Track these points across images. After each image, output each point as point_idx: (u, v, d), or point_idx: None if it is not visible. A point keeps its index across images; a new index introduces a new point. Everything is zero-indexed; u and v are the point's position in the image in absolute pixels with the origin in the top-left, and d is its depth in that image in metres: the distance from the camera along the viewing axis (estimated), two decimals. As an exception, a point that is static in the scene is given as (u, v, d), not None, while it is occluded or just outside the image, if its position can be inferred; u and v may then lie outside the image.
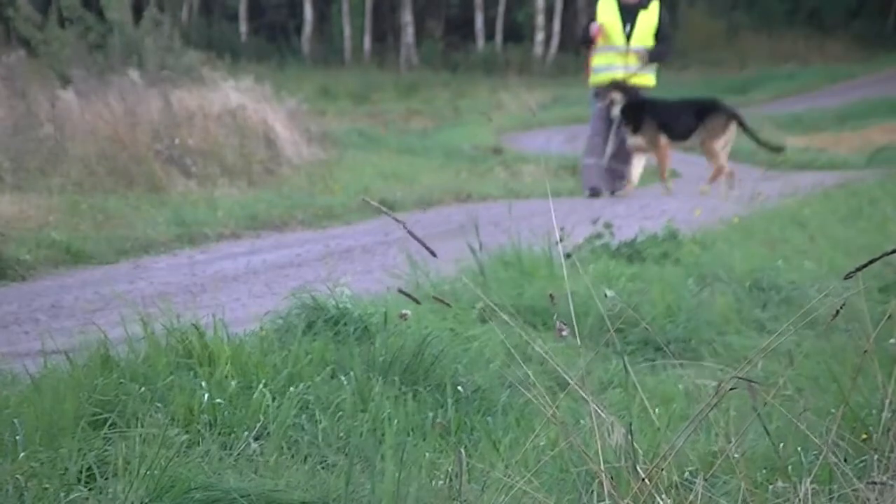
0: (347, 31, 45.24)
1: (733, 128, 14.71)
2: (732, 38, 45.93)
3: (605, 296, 6.83)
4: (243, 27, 45.40)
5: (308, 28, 45.26)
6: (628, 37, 14.31)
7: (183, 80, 16.57)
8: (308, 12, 45.27)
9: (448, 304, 4.35)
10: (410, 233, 3.94)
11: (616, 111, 14.34)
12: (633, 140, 14.47)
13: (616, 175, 14.51)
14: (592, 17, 14.68)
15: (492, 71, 42.61)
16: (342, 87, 37.51)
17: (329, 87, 37.04)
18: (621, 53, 14.33)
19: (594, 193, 14.27)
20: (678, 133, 14.56)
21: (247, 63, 31.56)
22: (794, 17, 45.93)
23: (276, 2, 47.09)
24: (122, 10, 18.78)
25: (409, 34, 44.98)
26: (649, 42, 14.33)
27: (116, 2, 18.74)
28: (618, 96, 14.29)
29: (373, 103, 35.62)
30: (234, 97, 16.71)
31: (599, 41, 14.30)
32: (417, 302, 4.52)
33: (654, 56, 14.38)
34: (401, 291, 4.42)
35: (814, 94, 36.26)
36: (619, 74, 14.32)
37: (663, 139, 14.51)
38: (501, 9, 45.92)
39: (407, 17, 45.00)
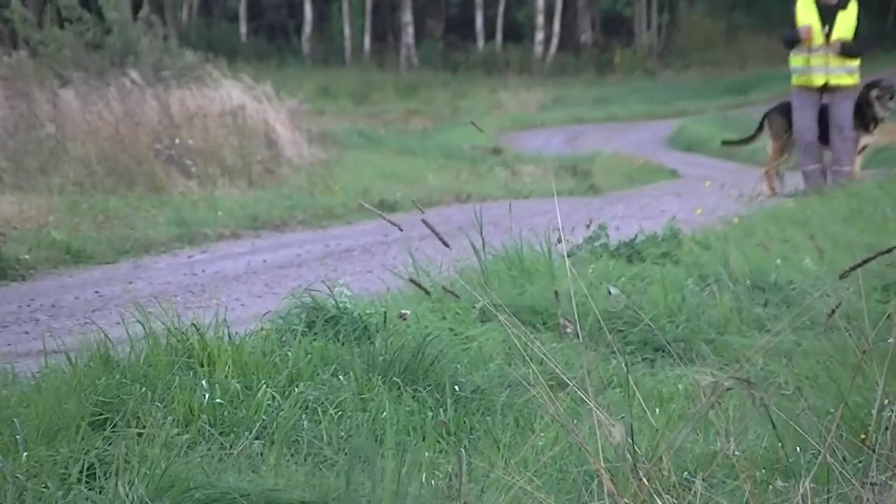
0: (347, 31, 45.25)
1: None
2: (732, 39, 45.96)
3: (609, 293, 6.84)
4: (243, 27, 45.42)
5: (308, 28, 45.27)
6: (827, 37, 14.19)
7: (183, 81, 16.57)
8: (308, 12, 45.28)
9: (456, 296, 4.37)
10: (426, 223, 3.97)
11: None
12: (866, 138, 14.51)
13: (840, 175, 14.38)
14: (792, 19, 14.58)
15: (492, 71, 42.64)
16: (342, 87, 37.54)
17: (329, 87, 37.06)
18: (820, 54, 14.25)
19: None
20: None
21: (247, 63, 31.57)
22: (794, 17, 45.90)
23: (276, 2, 47.11)
24: (120, 9, 18.78)
25: (409, 34, 44.99)
26: (848, 38, 14.15)
27: (115, 2, 18.75)
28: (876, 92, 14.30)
29: (373, 103, 35.64)
30: (235, 97, 16.71)
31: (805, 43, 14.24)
32: (427, 293, 4.53)
33: (848, 51, 14.14)
34: (411, 281, 4.43)
35: (814, 95, 36.18)
36: (820, 76, 14.23)
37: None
38: (501, 9, 45.94)
39: (407, 16, 45.00)
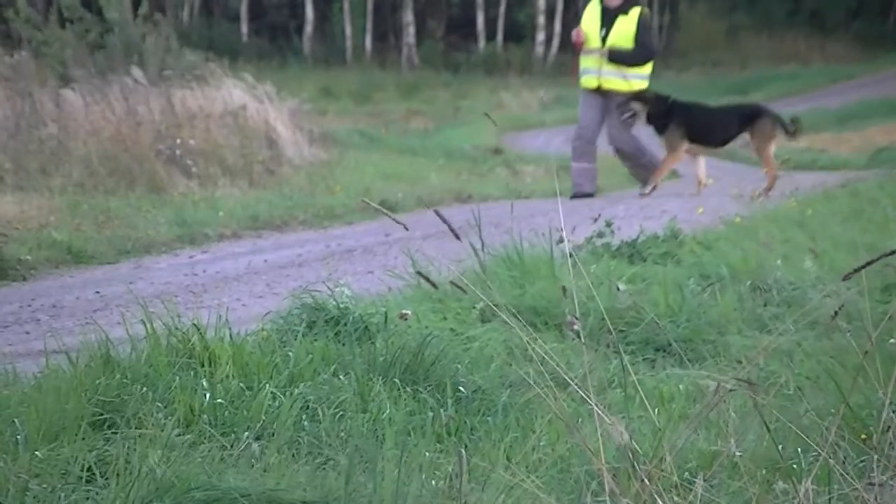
0: (349, 31, 45.26)
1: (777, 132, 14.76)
2: (733, 39, 45.95)
3: (618, 289, 6.85)
4: (244, 27, 45.42)
5: (309, 28, 45.27)
6: (603, 40, 14.29)
7: (185, 80, 16.57)
8: (309, 12, 45.28)
9: (464, 291, 4.37)
10: (438, 214, 3.98)
11: (634, 121, 14.39)
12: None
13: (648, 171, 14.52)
14: (579, 20, 14.70)
15: (493, 71, 42.64)
16: (343, 88, 37.54)
17: (330, 87, 37.06)
18: (594, 57, 14.31)
19: (582, 195, 14.26)
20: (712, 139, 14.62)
21: (248, 63, 31.57)
22: (794, 17, 45.93)
23: (278, 2, 47.11)
24: (121, 9, 18.78)
25: (410, 34, 44.99)
26: (622, 46, 14.27)
27: (115, 1, 18.75)
28: (637, 106, 14.34)
29: (374, 103, 35.64)
30: (236, 97, 16.71)
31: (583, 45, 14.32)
32: (435, 287, 4.54)
33: (619, 59, 14.27)
34: (419, 273, 4.44)
35: (814, 95, 36.26)
36: (593, 78, 14.31)
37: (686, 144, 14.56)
38: (502, 9, 45.93)
39: (408, 17, 45.01)
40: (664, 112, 14.26)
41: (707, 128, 14.44)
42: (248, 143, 16.02)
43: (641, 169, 14.65)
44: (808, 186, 13.64)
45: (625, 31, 14.30)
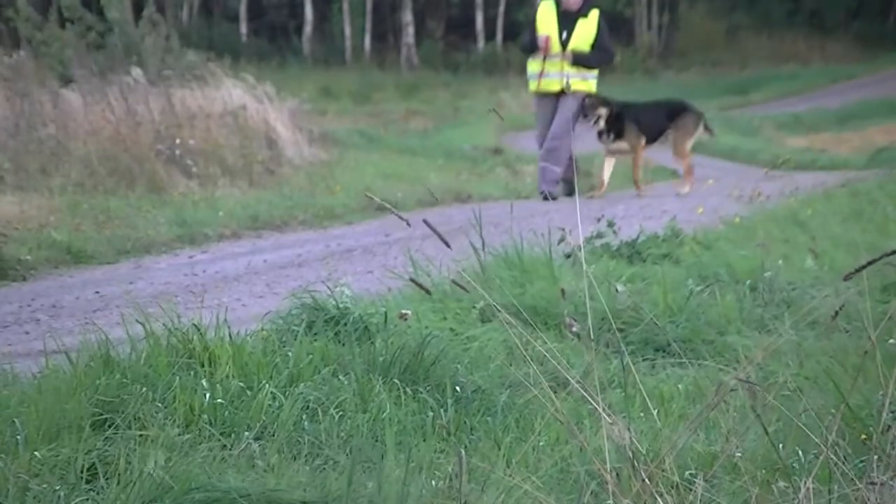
0: (348, 31, 45.25)
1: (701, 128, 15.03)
2: (733, 39, 45.95)
3: (616, 290, 6.84)
4: (244, 28, 45.41)
5: (309, 28, 45.26)
6: (564, 44, 14.27)
7: (184, 80, 16.56)
8: (309, 12, 45.27)
9: (465, 290, 4.38)
10: (427, 223, 3.98)
11: (602, 125, 14.47)
12: (615, 145, 14.63)
13: (547, 173, 14.54)
14: (532, 24, 14.59)
15: (492, 71, 42.62)
16: (343, 88, 37.53)
17: (330, 87, 37.05)
18: (557, 61, 14.29)
19: (551, 197, 14.22)
20: (652, 136, 14.81)
21: (247, 63, 31.57)
22: (794, 17, 45.93)
23: (277, 2, 47.11)
24: (121, 9, 18.79)
25: (409, 34, 44.98)
26: (584, 49, 14.29)
27: (116, 1, 18.75)
28: (603, 111, 14.42)
29: (373, 103, 35.63)
30: (236, 97, 16.70)
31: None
32: (428, 292, 4.54)
33: (582, 61, 14.27)
34: (412, 280, 4.44)
35: (814, 95, 36.28)
36: (556, 82, 14.30)
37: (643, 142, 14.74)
38: (502, 9, 45.93)
39: (407, 16, 45.00)
40: (617, 115, 14.45)
41: (648, 126, 14.68)
42: (247, 143, 16.02)
43: (558, 172, 14.53)
44: (808, 186, 13.64)
45: (586, 33, 14.32)
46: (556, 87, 14.31)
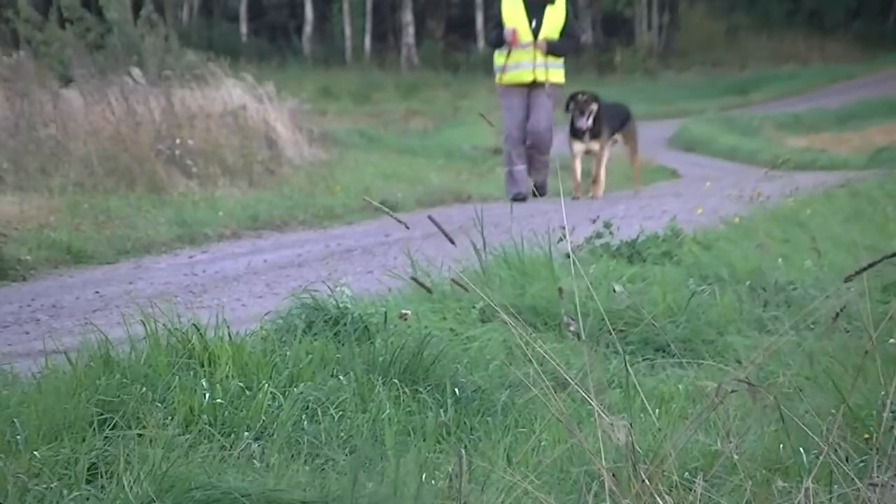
0: (348, 31, 45.25)
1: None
2: (732, 39, 45.97)
3: (614, 291, 6.84)
4: (244, 28, 45.41)
5: (309, 28, 45.27)
6: (535, 33, 14.08)
7: (184, 80, 16.56)
8: (309, 12, 45.28)
9: (465, 289, 4.39)
10: (432, 219, 3.98)
11: (590, 122, 14.46)
12: (591, 145, 14.61)
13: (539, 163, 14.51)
14: (497, 18, 14.38)
15: (492, 71, 42.59)
16: (343, 88, 37.54)
17: (330, 87, 37.05)
18: (528, 50, 14.11)
19: (520, 198, 13.99)
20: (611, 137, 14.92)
21: (247, 63, 31.57)
22: (794, 17, 45.92)
23: (277, 2, 47.11)
24: (121, 9, 18.78)
25: (409, 34, 44.98)
26: (555, 37, 14.11)
27: (116, 2, 18.75)
28: (595, 108, 14.43)
29: (373, 103, 35.65)
30: (236, 97, 16.71)
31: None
32: (429, 291, 4.54)
33: (554, 49, 14.08)
34: (413, 279, 4.44)
35: (814, 95, 36.30)
36: (527, 72, 14.17)
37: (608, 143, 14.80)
38: (502, 9, 45.89)
39: (407, 17, 45.00)
40: (597, 113, 14.52)
41: (610, 127, 14.79)
42: (247, 143, 16.01)
43: (543, 169, 14.46)
44: (808, 186, 13.63)
45: (556, 21, 14.11)
46: (528, 78, 14.11)
